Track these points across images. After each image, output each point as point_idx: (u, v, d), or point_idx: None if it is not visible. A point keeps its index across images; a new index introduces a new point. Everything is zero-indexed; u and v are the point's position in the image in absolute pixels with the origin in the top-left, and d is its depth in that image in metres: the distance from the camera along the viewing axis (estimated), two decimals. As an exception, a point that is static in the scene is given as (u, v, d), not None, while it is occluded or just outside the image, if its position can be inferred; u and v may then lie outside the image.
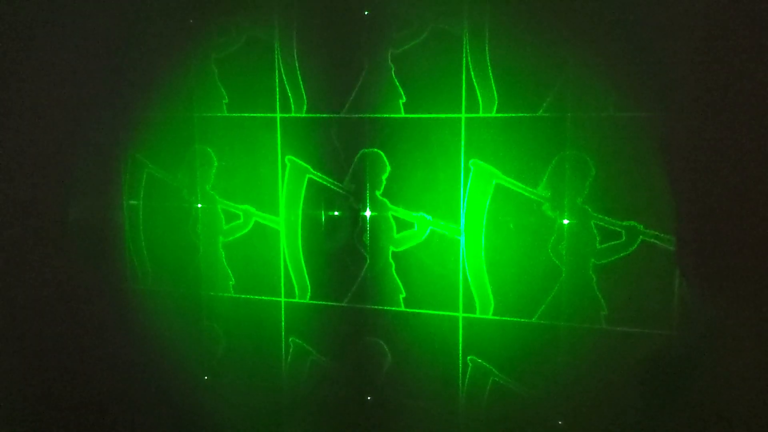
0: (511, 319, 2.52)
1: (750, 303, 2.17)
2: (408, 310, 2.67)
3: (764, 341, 2.16)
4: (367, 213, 2.68)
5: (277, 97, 2.76)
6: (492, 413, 2.60)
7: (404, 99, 2.56)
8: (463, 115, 2.49)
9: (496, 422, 2.59)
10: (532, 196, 2.43)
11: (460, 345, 2.61)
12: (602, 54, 2.29)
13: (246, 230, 2.90)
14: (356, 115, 2.65)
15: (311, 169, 2.76)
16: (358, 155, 2.67)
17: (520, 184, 2.44)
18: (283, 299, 2.87)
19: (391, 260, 2.67)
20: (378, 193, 2.65)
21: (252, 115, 2.81)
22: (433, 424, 2.70)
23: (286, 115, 2.76)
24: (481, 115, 2.46)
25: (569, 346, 2.44)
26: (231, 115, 2.84)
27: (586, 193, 2.35)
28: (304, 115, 2.73)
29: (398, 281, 2.67)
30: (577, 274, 2.40)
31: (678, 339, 2.30)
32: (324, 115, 2.71)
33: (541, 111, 2.38)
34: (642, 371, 2.37)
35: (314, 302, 2.83)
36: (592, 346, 2.41)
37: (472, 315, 2.57)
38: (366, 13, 2.56)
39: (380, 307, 2.71)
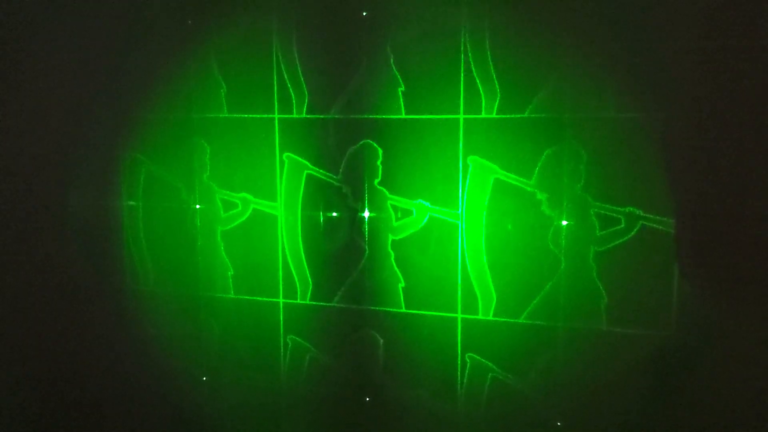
0: (511, 318, 2.51)
1: (751, 302, 2.16)
2: (409, 310, 2.67)
3: (765, 341, 2.15)
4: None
5: (275, 98, 2.76)
6: (491, 413, 2.59)
7: (403, 87, 2.57)
8: (462, 116, 2.49)
9: (496, 422, 2.59)
10: (531, 189, 2.43)
11: (459, 341, 2.61)
12: (600, 53, 2.30)
13: (244, 218, 2.89)
14: (355, 116, 2.66)
15: (310, 165, 2.77)
16: (351, 150, 2.67)
17: (518, 178, 2.45)
18: (281, 300, 2.87)
19: (390, 249, 2.67)
20: (376, 182, 2.65)
21: (251, 116, 2.81)
22: (432, 425, 2.69)
23: (284, 116, 2.76)
24: (482, 116, 2.46)
25: (568, 346, 2.44)
26: (230, 115, 2.85)
27: (583, 180, 2.35)
28: (304, 115, 2.73)
29: (397, 271, 2.66)
30: (577, 264, 2.40)
31: (677, 339, 2.29)
32: (320, 116, 2.71)
33: (538, 111, 2.39)
34: (642, 372, 2.36)
35: (314, 298, 2.83)
36: (592, 346, 2.40)
37: (473, 316, 2.57)
38: (364, 14, 2.57)
39: (380, 308, 2.71)
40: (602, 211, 2.35)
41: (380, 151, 2.63)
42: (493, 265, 2.52)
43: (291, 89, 2.74)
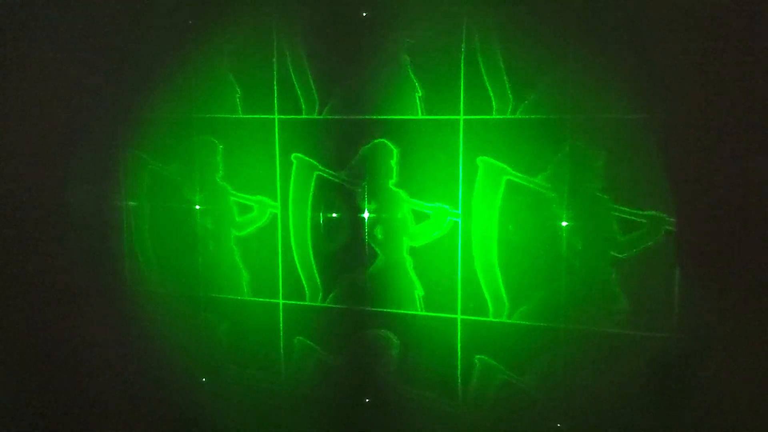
0: (513, 320, 2.50)
1: (753, 304, 2.16)
2: (410, 311, 2.67)
3: (765, 344, 2.15)
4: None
5: (275, 99, 2.75)
6: (492, 414, 2.58)
7: (420, 93, 2.53)
8: (462, 117, 2.48)
9: (497, 423, 2.59)
10: (544, 191, 2.39)
11: (459, 345, 2.59)
12: (606, 55, 2.28)
13: (262, 222, 2.83)
14: (363, 117, 2.64)
15: (319, 166, 2.73)
16: (363, 148, 2.64)
17: (531, 179, 2.40)
18: (281, 300, 2.86)
19: (406, 255, 2.63)
20: (391, 183, 2.61)
21: (251, 116, 2.80)
22: (433, 426, 2.69)
23: (284, 117, 2.75)
24: (492, 116, 2.44)
25: (570, 347, 2.42)
26: (230, 116, 2.84)
27: (601, 181, 2.30)
28: (316, 116, 2.71)
29: (414, 278, 2.63)
30: (594, 270, 2.34)
31: (679, 341, 2.28)
32: (319, 117, 2.70)
33: (551, 112, 2.36)
34: (643, 374, 2.35)
35: (318, 300, 2.81)
36: (593, 348, 2.39)
37: (477, 317, 2.56)
38: (364, 14, 2.55)
39: (383, 309, 2.70)
40: (623, 215, 2.28)
41: (394, 149, 2.59)
42: (504, 267, 2.49)
43: (298, 90, 2.72)
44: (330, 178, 2.72)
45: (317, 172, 2.74)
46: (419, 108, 2.54)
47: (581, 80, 2.31)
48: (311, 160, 2.75)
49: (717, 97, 2.13)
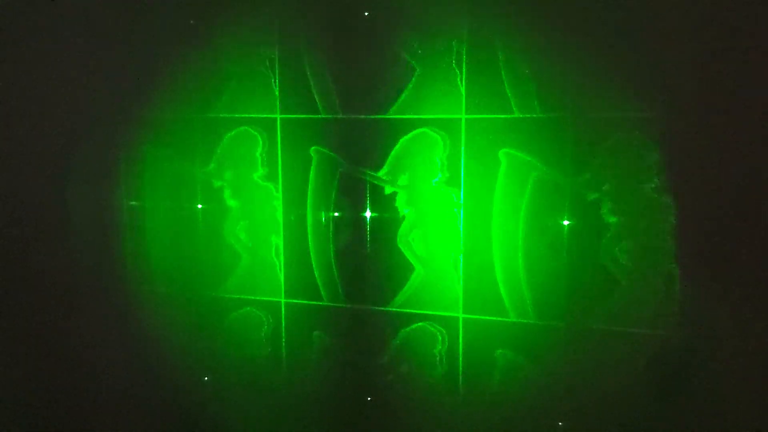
0: (518, 320, 2.51)
1: (753, 303, 2.16)
2: (409, 310, 2.67)
3: (765, 343, 2.16)
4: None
5: (277, 98, 2.74)
6: (494, 413, 2.59)
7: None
8: (464, 116, 2.47)
9: (498, 421, 2.59)
10: (579, 188, 2.33)
11: (461, 343, 2.60)
12: (612, 54, 2.27)
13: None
14: (371, 116, 2.62)
15: (344, 163, 2.69)
16: (401, 141, 2.58)
17: (560, 175, 2.33)
18: (283, 299, 2.86)
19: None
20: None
21: (251, 115, 2.80)
22: (433, 425, 2.70)
23: (286, 116, 2.74)
24: (515, 115, 2.41)
25: (570, 346, 2.43)
26: (230, 115, 2.83)
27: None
28: (340, 115, 2.70)
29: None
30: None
31: (679, 340, 2.29)
32: (324, 116, 2.70)
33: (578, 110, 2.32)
34: (644, 373, 2.36)
35: (326, 302, 2.81)
36: (593, 346, 2.40)
37: (479, 316, 2.56)
38: (366, 14, 2.55)
39: (384, 308, 2.71)
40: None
41: (440, 140, 2.50)
42: (530, 279, 2.46)
43: (313, 89, 2.70)
44: (356, 174, 2.69)
45: (342, 169, 2.70)
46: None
47: (616, 78, 2.27)
48: (333, 155, 2.71)
49: (718, 97, 2.13)
